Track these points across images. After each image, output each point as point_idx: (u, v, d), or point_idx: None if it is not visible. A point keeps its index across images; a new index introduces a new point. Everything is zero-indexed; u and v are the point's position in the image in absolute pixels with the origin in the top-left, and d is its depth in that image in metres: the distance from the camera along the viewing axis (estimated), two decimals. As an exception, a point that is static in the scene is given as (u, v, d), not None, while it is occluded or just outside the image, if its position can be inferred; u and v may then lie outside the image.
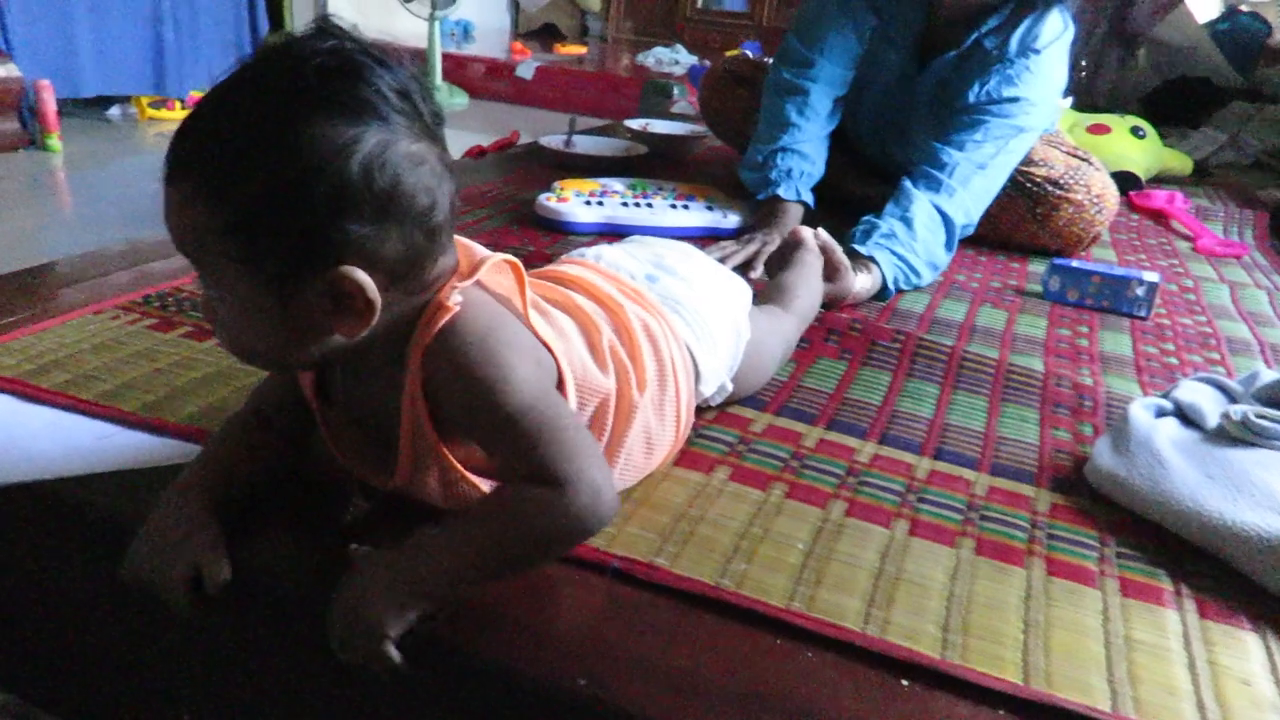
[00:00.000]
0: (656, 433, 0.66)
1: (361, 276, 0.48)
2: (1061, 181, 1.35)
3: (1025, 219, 1.38)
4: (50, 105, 2.87)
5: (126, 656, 0.66)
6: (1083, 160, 1.38)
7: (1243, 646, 0.57)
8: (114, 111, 3.41)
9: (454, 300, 0.51)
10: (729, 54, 4.49)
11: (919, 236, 1.17)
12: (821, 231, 1.06)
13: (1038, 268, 1.34)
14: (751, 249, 1.19)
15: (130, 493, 0.62)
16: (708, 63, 4.47)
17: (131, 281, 0.96)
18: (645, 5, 5.89)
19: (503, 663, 0.51)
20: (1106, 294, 1.18)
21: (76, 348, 0.79)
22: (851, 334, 1.01)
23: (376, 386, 0.55)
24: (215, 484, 0.57)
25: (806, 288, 0.98)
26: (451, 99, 4.33)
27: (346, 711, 0.57)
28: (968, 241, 1.36)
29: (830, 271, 1.05)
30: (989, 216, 1.33)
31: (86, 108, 3.34)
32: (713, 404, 0.78)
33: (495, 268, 0.55)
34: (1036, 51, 1.23)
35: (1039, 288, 1.23)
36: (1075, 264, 1.20)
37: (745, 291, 0.81)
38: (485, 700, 0.52)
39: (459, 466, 0.55)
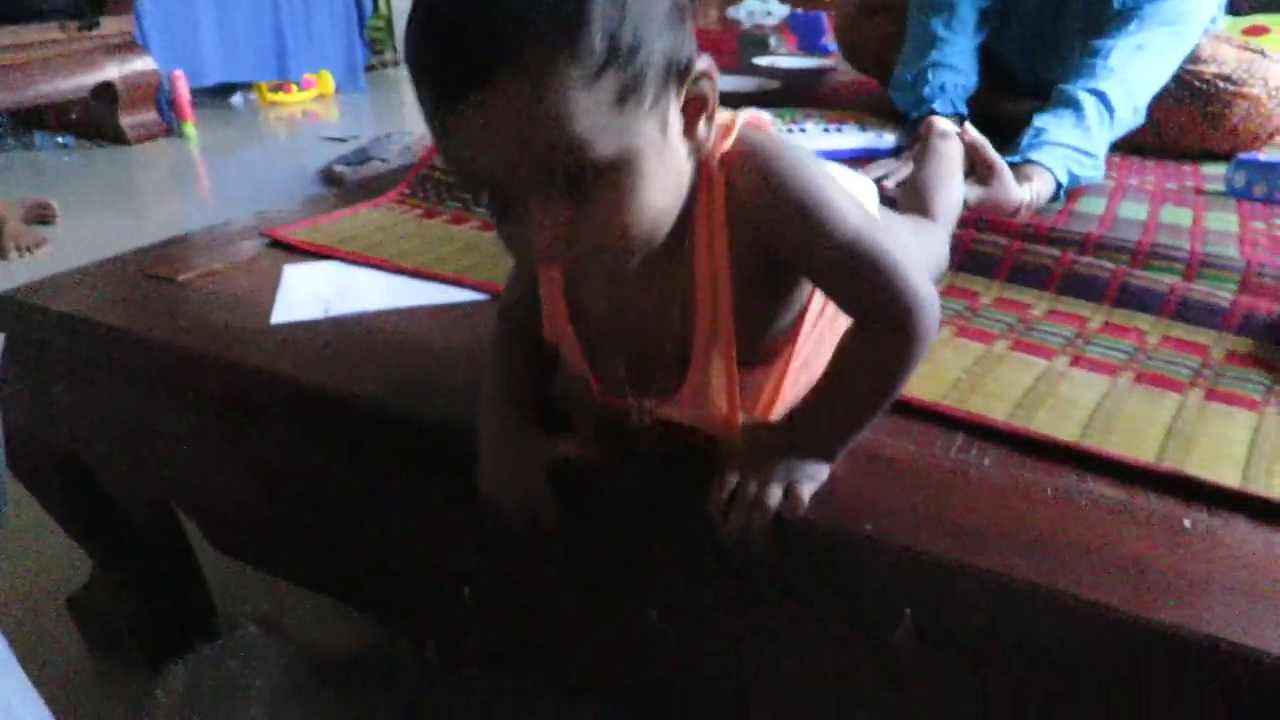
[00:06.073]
0: None
1: (709, 64, 0.46)
2: (1234, 77, 1.29)
3: (1195, 121, 1.32)
4: (185, 95, 3.02)
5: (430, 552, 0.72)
6: (1256, 53, 1.31)
7: None
8: (237, 99, 3.57)
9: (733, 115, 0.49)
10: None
11: (1077, 123, 1.11)
12: (970, 127, 1.01)
13: (1212, 169, 1.28)
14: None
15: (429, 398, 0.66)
16: (801, 11, 4.38)
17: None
18: (730, -40, 5.80)
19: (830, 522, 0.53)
20: (1300, 187, 1.12)
21: (364, 229, 1.02)
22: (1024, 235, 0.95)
23: (655, 272, 0.51)
24: (520, 396, 0.59)
25: (943, 186, 0.92)
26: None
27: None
28: (1130, 148, 1.31)
29: (985, 174, 1.00)
30: (1154, 123, 1.28)
31: (211, 96, 3.51)
32: None
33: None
34: None
35: (1220, 187, 1.18)
36: (1264, 158, 1.15)
37: (870, 191, 0.76)
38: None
39: (733, 355, 0.52)
